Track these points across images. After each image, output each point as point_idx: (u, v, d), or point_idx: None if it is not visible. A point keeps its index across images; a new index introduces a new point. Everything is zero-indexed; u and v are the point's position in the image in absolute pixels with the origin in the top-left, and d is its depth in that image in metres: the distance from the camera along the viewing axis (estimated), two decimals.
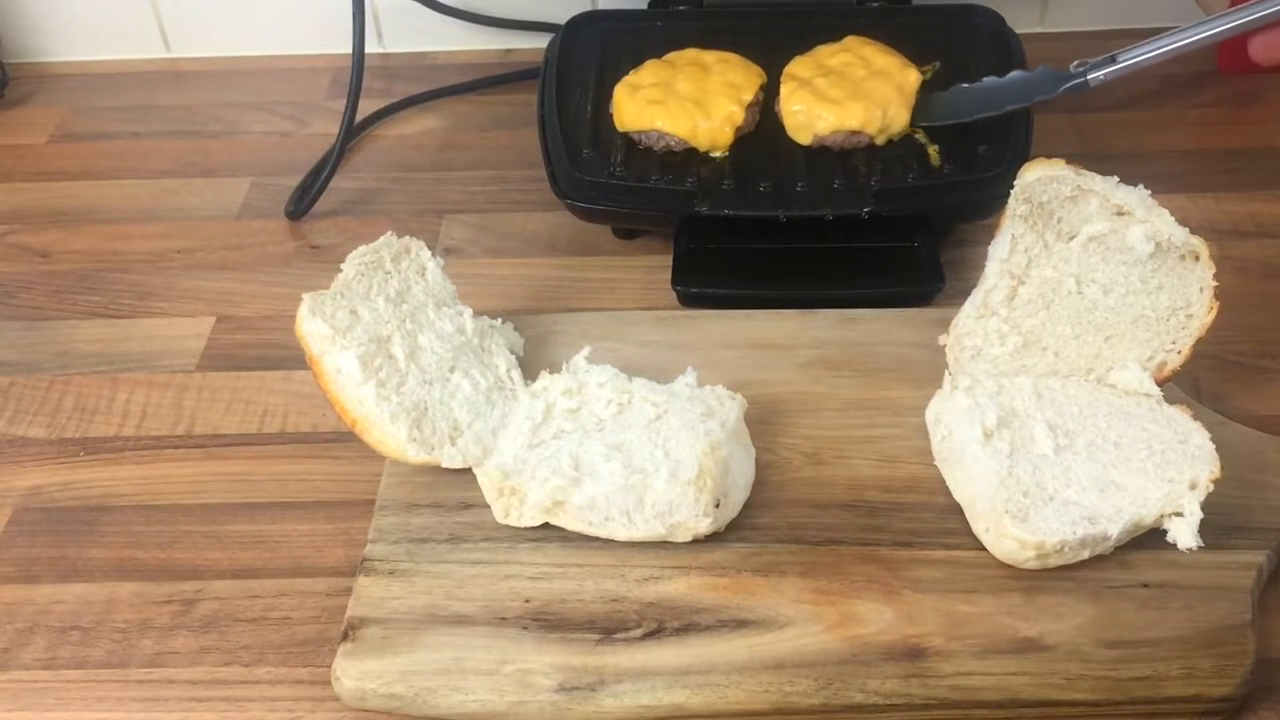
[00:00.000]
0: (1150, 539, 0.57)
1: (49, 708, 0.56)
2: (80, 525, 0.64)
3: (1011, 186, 0.63)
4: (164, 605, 0.60)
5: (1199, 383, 0.67)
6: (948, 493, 0.60)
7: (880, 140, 0.75)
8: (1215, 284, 0.60)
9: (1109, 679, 0.53)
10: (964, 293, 0.66)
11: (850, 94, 0.75)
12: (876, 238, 0.74)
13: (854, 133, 0.74)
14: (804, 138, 0.75)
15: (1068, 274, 0.62)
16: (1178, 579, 0.56)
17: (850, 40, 0.80)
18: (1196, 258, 0.60)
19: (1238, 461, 0.59)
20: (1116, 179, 0.61)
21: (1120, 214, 0.60)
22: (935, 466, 0.61)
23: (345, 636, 0.56)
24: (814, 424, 0.65)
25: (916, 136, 0.76)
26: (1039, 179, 0.61)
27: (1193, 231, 0.60)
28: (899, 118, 0.75)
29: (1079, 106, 0.90)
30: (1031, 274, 0.62)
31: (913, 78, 0.76)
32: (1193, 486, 0.56)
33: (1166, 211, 0.60)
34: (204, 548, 0.63)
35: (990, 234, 0.65)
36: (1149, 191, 0.61)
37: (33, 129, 0.94)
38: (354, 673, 0.54)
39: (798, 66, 0.79)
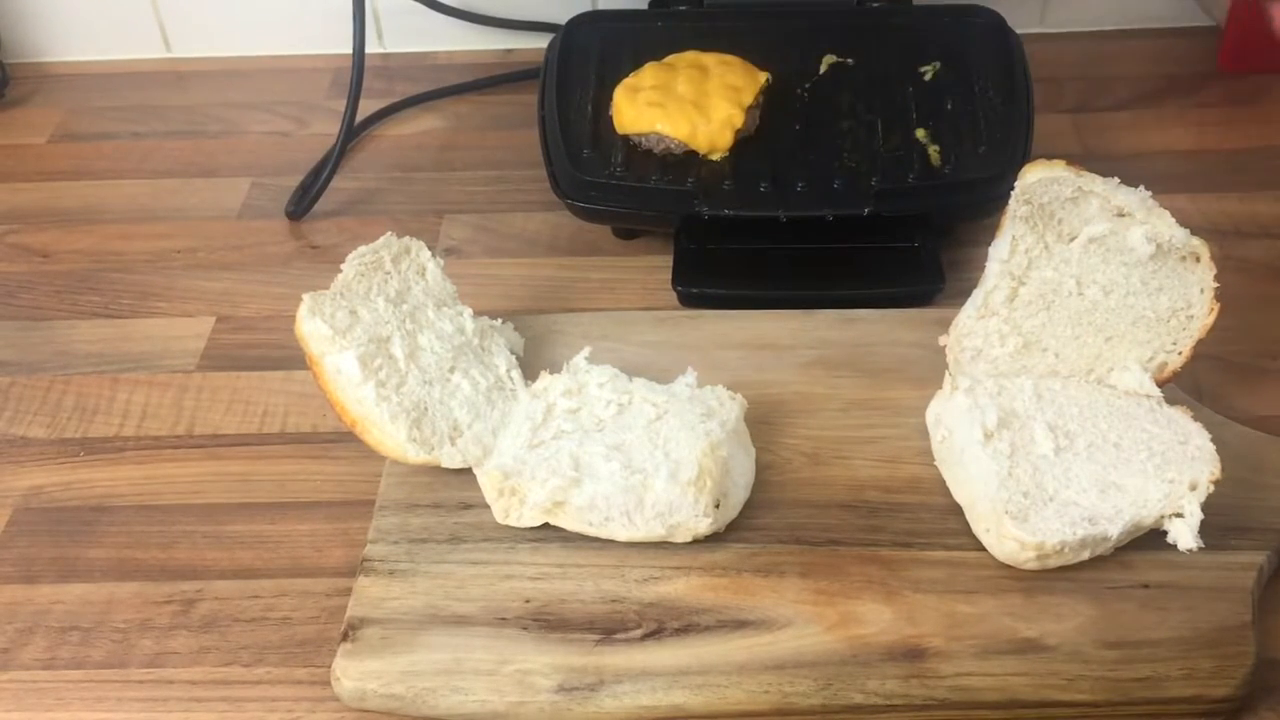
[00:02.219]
0: (1150, 540, 0.57)
1: (49, 708, 0.56)
2: (80, 525, 0.64)
3: (1012, 187, 0.62)
4: (164, 605, 0.60)
5: (1200, 383, 0.67)
6: (947, 493, 0.60)
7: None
8: (1216, 285, 0.60)
9: (1109, 680, 0.53)
10: (964, 293, 0.66)
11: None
12: (877, 238, 0.74)
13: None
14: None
15: (1068, 275, 0.62)
16: (1178, 579, 0.56)
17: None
18: (1197, 259, 0.60)
19: (1238, 462, 0.59)
20: (1117, 180, 0.61)
21: (1121, 215, 0.60)
22: (935, 467, 0.61)
23: (345, 637, 0.56)
24: (814, 424, 0.65)
25: (917, 136, 0.76)
26: (1039, 180, 0.61)
27: (1194, 232, 0.60)
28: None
29: (1079, 107, 0.90)
30: (1032, 275, 0.62)
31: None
32: (1193, 488, 0.56)
33: (1167, 213, 0.60)
34: (204, 548, 0.63)
35: (990, 234, 0.65)
36: (1149, 193, 0.61)
37: (33, 129, 0.94)
38: (354, 673, 0.54)
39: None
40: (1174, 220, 0.59)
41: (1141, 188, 0.61)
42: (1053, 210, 0.62)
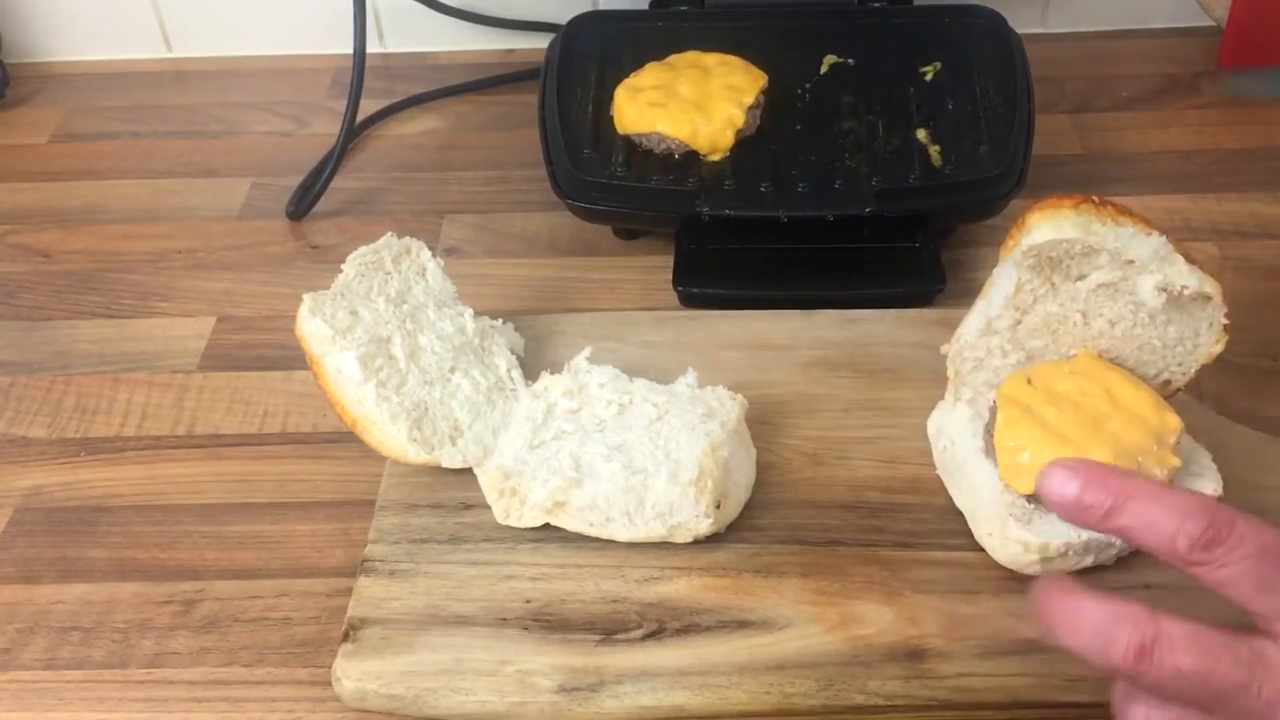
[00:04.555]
0: None
1: (49, 708, 0.56)
2: (81, 525, 0.64)
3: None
4: (164, 605, 0.60)
5: (1201, 384, 0.67)
6: (948, 494, 0.60)
7: None
8: (1226, 321, 0.58)
9: (1110, 681, 0.53)
10: (965, 293, 0.65)
11: (1091, 434, 0.56)
12: (877, 238, 0.74)
13: None
14: (1025, 485, 0.56)
15: (1074, 309, 0.60)
16: (1178, 580, 0.55)
17: (1084, 360, 0.60)
18: (1208, 298, 0.58)
19: (1238, 464, 0.59)
20: (1130, 231, 0.57)
21: (1131, 262, 0.58)
22: (935, 467, 0.61)
23: (346, 637, 0.56)
24: (815, 425, 0.65)
25: (918, 136, 0.76)
26: (1048, 243, 0.58)
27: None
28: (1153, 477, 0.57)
29: (1080, 107, 0.90)
30: (1036, 308, 0.60)
31: (1172, 424, 0.57)
32: None
33: (1181, 259, 0.57)
34: (204, 548, 0.63)
35: (993, 234, 0.64)
36: (1165, 238, 0.57)
37: (34, 129, 0.94)
38: (354, 673, 0.54)
39: (1015, 386, 0.59)
40: (1187, 268, 0.57)
41: (1157, 234, 0.57)
42: (1059, 259, 0.60)
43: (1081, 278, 0.58)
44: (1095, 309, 0.59)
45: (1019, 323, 0.60)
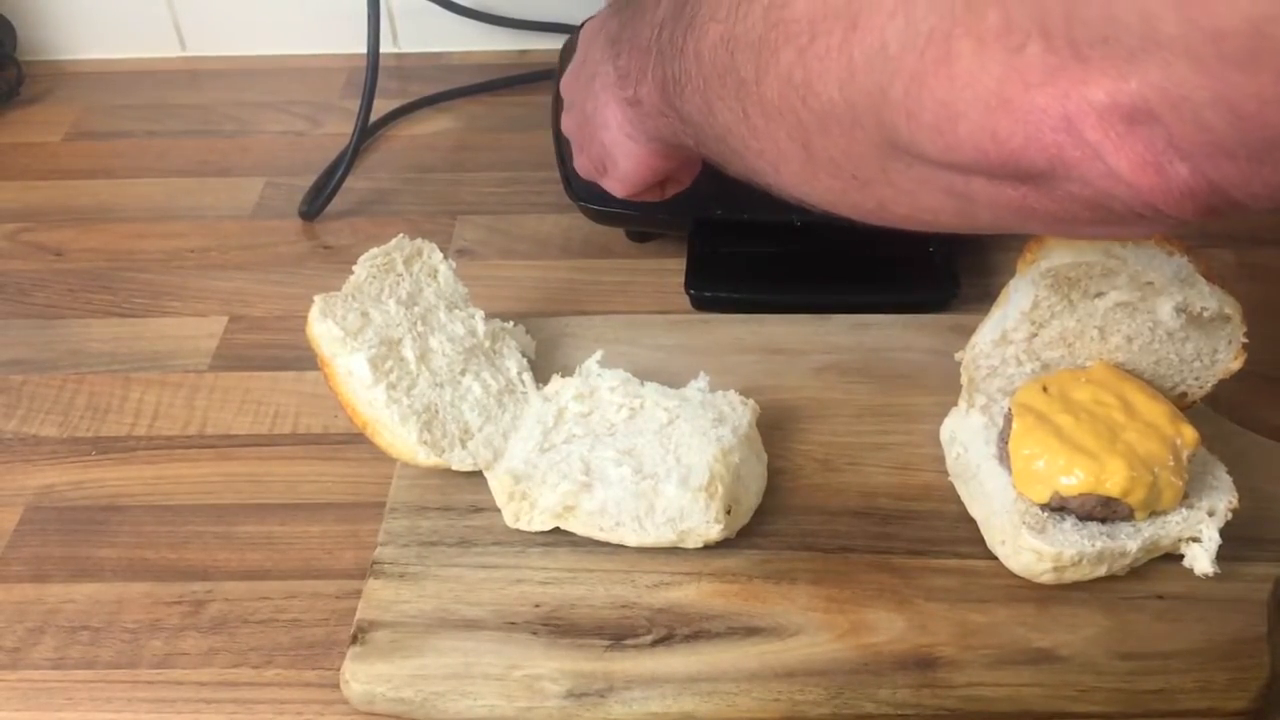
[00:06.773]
0: None
1: (58, 708, 0.56)
2: (91, 525, 0.64)
3: None
4: (174, 606, 0.60)
5: (1217, 393, 0.67)
6: (960, 501, 0.60)
7: (1141, 517, 0.56)
8: (1245, 340, 0.58)
9: (1123, 691, 0.52)
10: (979, 299, 0.65)
11: (1106, 443, 0.56)
12: (891, 243, 0.73)
13: (1108, 500, 0.55)
14: (1039, 493, 0.56)
15: (1091, 325, 0.59)
16: (1192, 591, 0.56)
17: (1100, 369, 0.60)
18: (1228, 318, 0.57)
19: (1255, 473, 0.59)
20: (1152, 249, 0.56)
21: (1149, 283, 0.57)
22: (947, 473, 0.61)
23: (354, 639, 0.56)
24: (826, 430, 0.64)
25: None
26: (1068, 265, 0.57)
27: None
28: (1171, 490, 0.56)
29: None
30: (1053, 323, 0.60)
31: (1189, 436, 0.57)
32: (1211, 514, 0.55)
33: (1202, 280, 0.56)
34: (214, 548, 0.63)
35: (1008, 240, 0.64)
36: (1187, 258, 0.57)
37: (48, 127, 0.94)
38: (363, 676, 0.54)
39: (1030, 393, 0.59)
40: (1208, 289, 0.56)
41: (1179, 254, 0.56)
42: (1078, 278, 0.59)
43: (1099, 295, 0.58)
44: (1112, 325, 0.59)
45: (1035, 335, 0.60)
